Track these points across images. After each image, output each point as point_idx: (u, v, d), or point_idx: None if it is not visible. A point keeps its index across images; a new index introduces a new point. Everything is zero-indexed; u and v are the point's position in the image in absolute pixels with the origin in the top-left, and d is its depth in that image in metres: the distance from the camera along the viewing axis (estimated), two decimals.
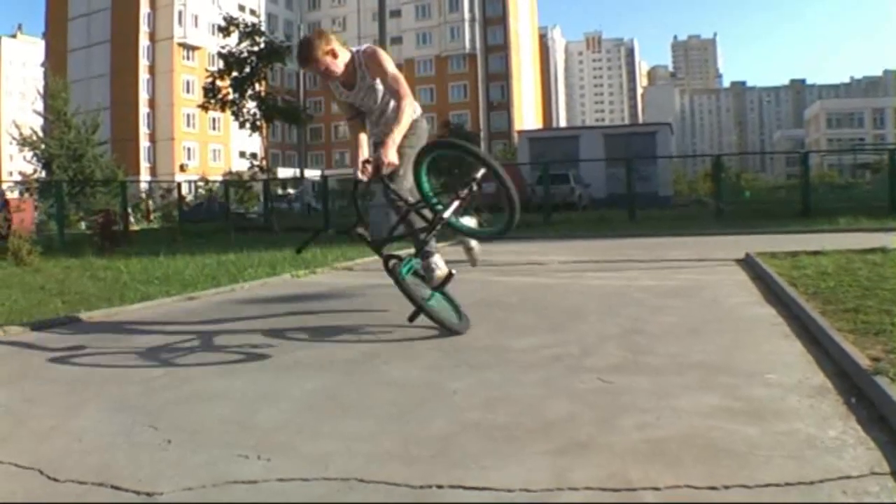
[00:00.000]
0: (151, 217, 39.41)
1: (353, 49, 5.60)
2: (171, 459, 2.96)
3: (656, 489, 2.46)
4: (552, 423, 3.21)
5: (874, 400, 3.21)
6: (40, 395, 4.12)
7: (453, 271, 5.45)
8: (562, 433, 3.07)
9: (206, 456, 2.97)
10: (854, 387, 3.50)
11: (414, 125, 5.65)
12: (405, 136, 5.48)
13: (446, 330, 5.31)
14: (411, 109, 5.45)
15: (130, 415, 3.60)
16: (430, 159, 5.55)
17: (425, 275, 5.59)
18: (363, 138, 5.84)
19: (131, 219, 33.58)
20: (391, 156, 5.21)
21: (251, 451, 2.98)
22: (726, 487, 2.45)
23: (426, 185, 5.61)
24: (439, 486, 2.57)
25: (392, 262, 5.34)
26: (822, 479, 2.49)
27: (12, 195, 36.35)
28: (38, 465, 2.89)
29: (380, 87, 5.62)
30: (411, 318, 5.05)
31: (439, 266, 5.56)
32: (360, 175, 5.44)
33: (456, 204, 5.41)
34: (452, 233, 5.93)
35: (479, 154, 5.60)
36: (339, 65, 5.45)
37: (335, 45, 5.43)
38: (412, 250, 5.70)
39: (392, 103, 5.64)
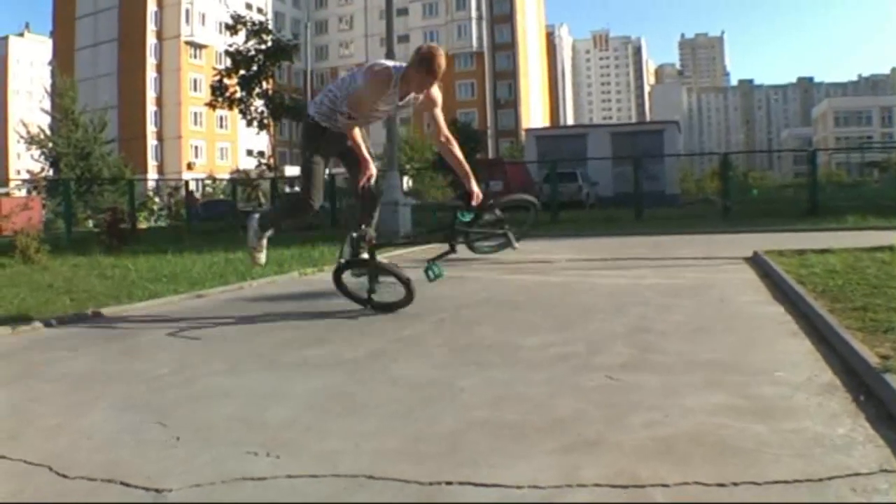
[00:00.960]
0: (162, 213, 39.47)
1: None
2: (179, 456, 2.97)
3: (665, 486, 2.46)
4: (560, 421, 3.21)
5: (883, 398, 3.20)
6: (49, 392, 4.13)
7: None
8: (570, 431, 3.07)
9: (215, 453, 2.98)
10: (863, 384, 3.49)
11: None
12: None
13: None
14: None
15: (138, 412, 3.61)
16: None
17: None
18: (357, 131, 6.07)
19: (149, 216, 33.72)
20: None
21: (259, 448, 2.99)
22: (735, 485, 2.45)
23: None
24: (448, 483, 2.57)
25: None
26: (831, 476, 2.49)
27: (20, 193, 36.46)
28: (48, 462, 2.90)
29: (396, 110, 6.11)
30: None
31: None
32: (368, 181, 6.03)
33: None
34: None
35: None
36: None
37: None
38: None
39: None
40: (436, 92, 5.81)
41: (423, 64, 5.52)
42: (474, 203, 5.88)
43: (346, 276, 6.39)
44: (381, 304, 6.31)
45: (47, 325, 6.23)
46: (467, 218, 6.06)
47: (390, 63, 5.90)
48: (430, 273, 6.05)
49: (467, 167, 5.83)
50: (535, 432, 3.08)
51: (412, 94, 5.71)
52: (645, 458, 2.72)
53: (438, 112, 5.82)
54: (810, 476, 2.49)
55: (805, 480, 2.46)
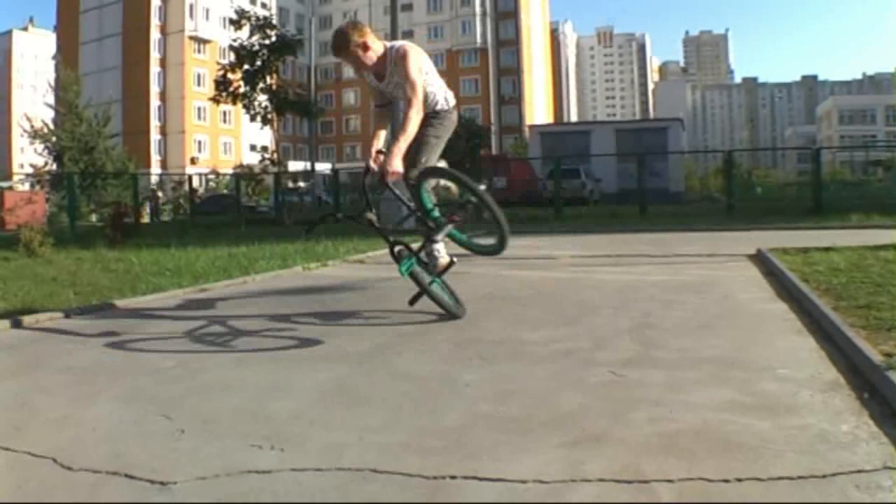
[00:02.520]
0: (165, 207, 39.46)
1: (389, 44, 5.70)
2: (184, 449, 2.97)
3: (670, 482, 2.47)
4: (565, 416, 3.21)
5: (887, 395, 3.20)
6: (53, 384, 4.14)
7: (454, 259, 5.64)
8: (575, 426, 3.08)
9: (220, 446, 2.99)
10: (867, 382, 3.49)
11: (444, 116, 5.89)
12: (432, 126, 5.76)
13: (446, 312, 5.61)
14: (418, 118, 5.49)
15: (143, 405, 3.62)
16: (428, 183, 5.85)
17: (428, 261, 5.72)
18: (382, 132, 6.05)
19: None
20: (395, 165, 5.33)
21: (265, 441, 3.00)
22: (739, 481, 2.46)
23: (428, 203, 5.86)
24: (453, 477, 2.57)
25: (398, 247, 5.66)
26: (835, 472, 2.49)
27: (24, 187, 36.52)
28: (52, 454, 2.91)
29: (390, 86, 5.79)
30: (412, 302, 5.32)
31: (441, 254, 5.72)
32: (371, 164, 5.66)
33: (450, 226, 5.66)
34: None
35: (468, 184, 5.71)
36: (370, 57, 5.56)
37: (368, 37, 5.53)
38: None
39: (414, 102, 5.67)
40: (401, 63, 5.56)
41: (333, 52, 5.71)
42: (374, 165, 5.66)
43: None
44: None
45: (51, 317, 6.23)
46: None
47: None
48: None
49: (400, 136, 5.45)
50: (539, 427, 3.09)
51: (387, 71, 5.65)
52: (649, 454, 2.73)
53: (405, 85, 5.55)
54: (814, 472, 2.49)
55: (809, 477, 2.47)
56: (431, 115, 5.77)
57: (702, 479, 2.47)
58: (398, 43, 5.74)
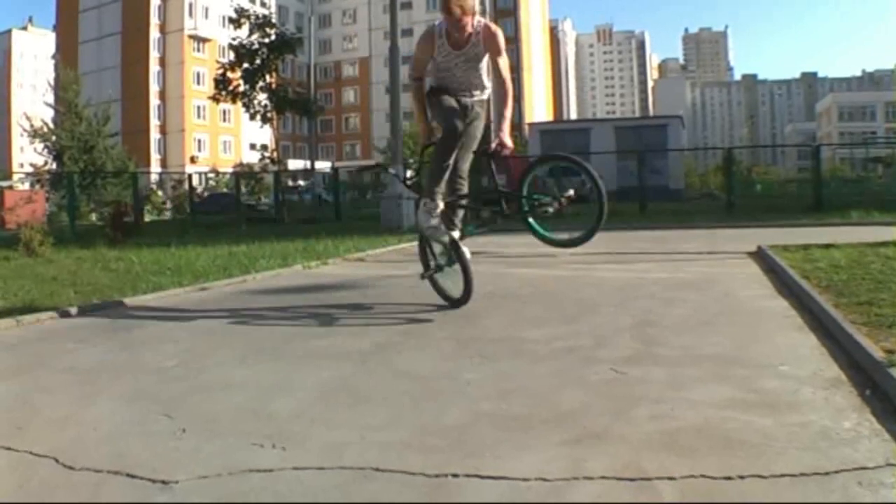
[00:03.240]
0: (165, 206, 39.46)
1: (477, 18, 5.70)
2: (186, 448, 2.97)
3: (671, 479, 2.47)
4: (566, 414, 3.21)
5: (889, 392, 3.20)
6: (55, 384, 4.13)
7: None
8: (576, 424, 3.08)
9: (221, 444, 2.98)
10: (868, 379, 3.49)
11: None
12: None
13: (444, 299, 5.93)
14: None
15: (145, 404, 3.62)
16: (542, 170, 6.10)
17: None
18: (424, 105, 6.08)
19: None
20: (509, 141, 5.61)
21: (266, 440, 2.99)
22: (741, 478, 2.45)
23: (524, 188, 5.93)
24: (455, 476, 2.57)
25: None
26: (837, 470, 2.49)
27: (24, 187, 36.48)
28: (54, 454, 2.91)
29: (482, 66, 5.88)
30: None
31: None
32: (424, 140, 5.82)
33: (544, 208, 5.80)
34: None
35: (587, 168, 5.78)
36: (469, 25, 5.59)
37: (469, 4, 5.54)
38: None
39: (476, 80, 5.93)
40: (495, 38, 5.70)
41: (440, 7, 5.61)
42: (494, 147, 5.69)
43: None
44: (437, 287, 6.17)
45: (52, 317, 6.23)
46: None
47: (436, 22, 5.92)
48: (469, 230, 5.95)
49: (506, 111, 5.72)
50: (541, 425, 3.09)
51: (469, 42, 5.67)
52: (651, 451, 2.73)
53: (500, 60, 5.69)
54: (817, 470, 2.49)
55: (811, 474, 2.46)
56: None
57: (704, 477, 2.47)
58: (482, 20, 5.76)
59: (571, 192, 5.74)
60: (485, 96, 6.04)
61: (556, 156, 6.03)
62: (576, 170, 5.74)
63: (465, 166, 6.00)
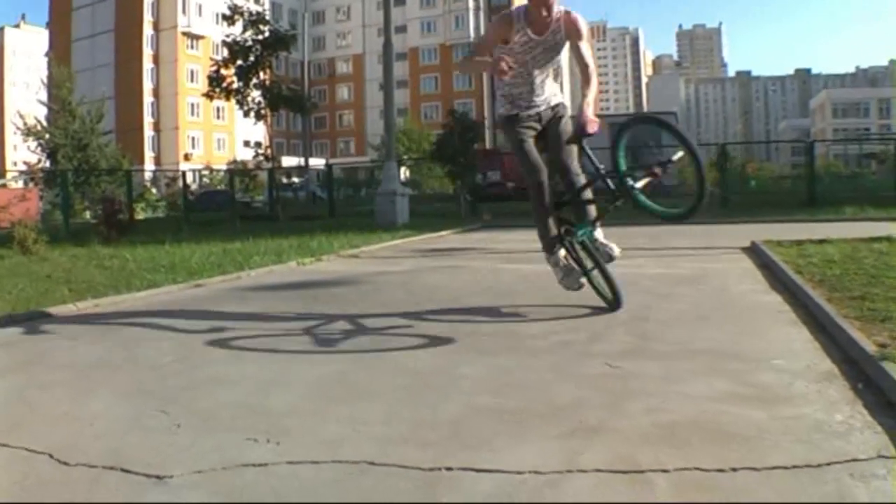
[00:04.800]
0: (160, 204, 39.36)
1: (558, 6, 5.51)
2: (181, 443, 2.98)
3: (665, 472, 2.48)
4: (561, 408, 3.22)
5: (881, 385, 3.22)
6: (51, 381, 4.13)
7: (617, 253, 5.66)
8: (571, 417, 3.09)
9: (217, 440, 2.99)
10: (861, 372, 3.51)
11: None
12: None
13: (604, 301, 5.65)
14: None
15: (141, 400, 3.62)
16: (631, 134, 5.74)
17: (592, 250, 5.69)
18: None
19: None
20: (594, 118, 5.34)
21: (261, 435, 3.00)
22: (734, 470, 2.47)
23: (622, 161, 5.69)
24: (449, 469, 2.58)
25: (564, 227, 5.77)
26: (830, 462, 2.50)
27: (17, 185, 36.38)
28: (50, 450, 2.91)
29: (559, 56, 5.73)
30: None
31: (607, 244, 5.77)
32: (503, 66, 5.18)
33: (647, 180, 5.45)
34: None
35: (683, 135, 5.45)
36: (553, 8, 5.39)
37: None
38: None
39: (548, 84, 5.80)
40: (577, 24, 5.55)
41: None
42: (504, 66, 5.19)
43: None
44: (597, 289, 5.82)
45: (48, 314, 6.23)
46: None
47: (514, 7, 5.72)
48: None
49: (590, 93, 5.54)
50: (536, 418, 3.10)
51: (550, 29, 5.45)
52: (646, 444, 2.74)
53: (582, 45, 5.57)
54: (809, 462, 2.51)
55: (804, 466, 2.48)
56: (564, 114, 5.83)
57: (697, 469, 2.48)
58: (562, 6, 5.56)
59: (679, 154, 5.30)
60: (557, 100, 5.89)
61: (638, 117, 5.77)
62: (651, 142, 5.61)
63: (570, 161, 5.81)
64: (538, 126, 5.78)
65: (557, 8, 5.44)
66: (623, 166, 5.58)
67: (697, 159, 5.17)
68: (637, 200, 5.46)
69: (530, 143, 5.72)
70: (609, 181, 5.57)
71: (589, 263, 5.66)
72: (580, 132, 5.35)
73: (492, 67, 5.27)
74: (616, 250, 5.64)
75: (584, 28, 5.58)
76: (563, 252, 5.74)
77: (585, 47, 5.56)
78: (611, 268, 5.66)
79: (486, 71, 5.57)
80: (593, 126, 5.26)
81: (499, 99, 5.89)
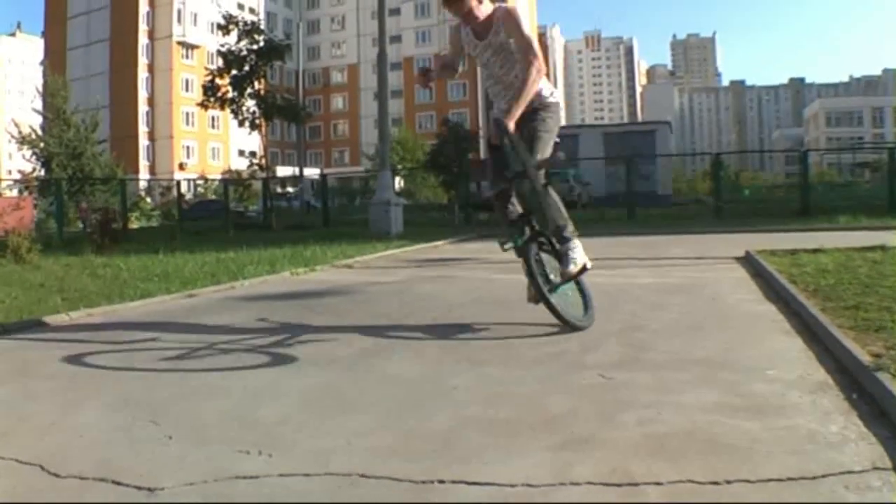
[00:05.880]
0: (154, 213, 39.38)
1: (497, 4, 5.44)
2: (172, 455, 2.96)
3: (658, 484, 2.46)
4: (553, 419, 3.21)
5: (875, 396, 3.21)
6: (42, 391, 4.11)
7: (588, 265, 5.38)
8: (563, 428, 3.07)
9: (208, 451, 2.97)
10: (855, 383, 3.50)
11: (554, 109, 5.52)
12: (543, 121, 5.39)
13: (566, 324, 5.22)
14: (540, 77, 5.24)
15: (131, 411, 3.60)
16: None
17: (561, 260, 5.38)
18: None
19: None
20: (511, 123, 5.08)
21: (252, 446, 2.98)
22: (728, 482, 2.45)
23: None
24: (441, 482, 2.57)
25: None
26: (824, 473, 2.49)
27: (11, 193, 36.32)
28: (40, 461, 2.89)
29: (512, 54, 5.40)
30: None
31: (575, 257, 5.33)
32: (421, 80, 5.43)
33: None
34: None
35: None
36: (482, 11, 5.29)
37: None
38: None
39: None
40: (513, 18, 5.29)
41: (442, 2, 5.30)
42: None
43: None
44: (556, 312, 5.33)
45: (39, 324, 6.21)
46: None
47: None
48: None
49: (521, 99, 5.12)
50: (528, 430, 3.08)
51: (491, 30, 5.32)
52: (638, 456, 2.72)
53: (524, 47, 5.25)
54: (803, 474, 2.49)
55: (798, 478, 2.46)
56: (541, 108, 5.39)
57: (691, 482, 2.47)
58: (501, 4, 5.45)
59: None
60: (549, 100, 5.51)
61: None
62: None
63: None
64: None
65: (496, 6, 5.37)
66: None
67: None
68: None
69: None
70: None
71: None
72: (502, 129, 5.12)
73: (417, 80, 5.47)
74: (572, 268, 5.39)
75: (521, 22, 5.30)
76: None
77: (519, 39, 5.28)
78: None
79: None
80: (510, 125, 5.05)
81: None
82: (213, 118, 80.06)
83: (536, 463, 2.70)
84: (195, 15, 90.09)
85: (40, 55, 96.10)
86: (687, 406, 3.30)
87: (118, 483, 2.67)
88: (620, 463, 2.66)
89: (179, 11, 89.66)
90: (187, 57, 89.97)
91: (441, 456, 2.82)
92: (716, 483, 2.45)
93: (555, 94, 5.57)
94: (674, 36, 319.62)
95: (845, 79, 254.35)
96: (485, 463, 2.72)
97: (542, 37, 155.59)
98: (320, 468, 2.73)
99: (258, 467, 2.77)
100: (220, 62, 28.78)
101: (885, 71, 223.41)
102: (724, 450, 2.75)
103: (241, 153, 77.10)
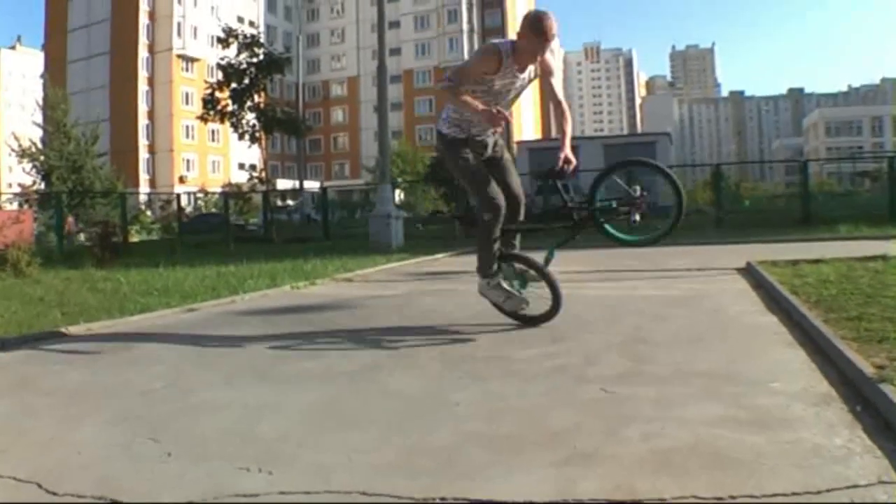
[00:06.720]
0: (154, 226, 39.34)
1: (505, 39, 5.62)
2: (171, 472, 2.94)
3: (662, 500, 2.44)
4: (556, 434, 3.19)
5: (880, 408, 3.18)
6: (40, 406, 4.09)
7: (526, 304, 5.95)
8: (566, 444, 3.05)
9: (208, 468, 2.95)
10: (859, 395, 3.48)
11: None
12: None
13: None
14: None
15: (131, 427, 3.58)
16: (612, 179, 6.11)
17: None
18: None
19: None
20: (572, 158, 5.52)
21: (253, 463, 2.96)
22: (733, 498, 2.43)
23: (598, 195, 6.03)
24: (443, 499, 2.54)
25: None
26: (830, 488, 2.47)
27: (11, 207, 36.31)
28: (37, 478, 2.87)
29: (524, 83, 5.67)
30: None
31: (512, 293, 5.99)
32: (500, 121, 5.38)
33: (637, 215, 5.92)
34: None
35: (662, 168, 6.05)
36: None
37: None
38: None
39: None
40: (550, 59, 5.59)
41: (534, 29, 5.30)
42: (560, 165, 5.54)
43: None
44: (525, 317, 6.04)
45: (39, 338, 6.19)
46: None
47: (495, 40, 5.72)
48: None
49: (568, 130, 5.64)
50: (530, 445, 3.06)
51: (532, 65, 5.50)
52: (642, 471, 2.70)
53: (554, 81, 5.63)
54: (809, 488, 2.47)
55: (804, 493, 2.44)
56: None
57: (695, 497, 2.45)
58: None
59: (639, 189, 5.95)
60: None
61: (629, 161, 6.20)
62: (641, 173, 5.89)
63: (520, 189, 6.13)
64: (485, 152, 5.89)
65: None
66: (597, 201, 5.98)
67: (678, 190, 5.87)
68: (605, 232, 6.14)
69: (486, 169, 5.84)
70: (575, 213, 6.01)
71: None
72: (559, 170, 5.51)
73: (486, 117, 5.36)
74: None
75: (557, 63, 5.57)
76: (499, 276, 5.97)
77: (556, 82, 5.63)
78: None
79: (476, 113, 5.47)
80: (572, 166, 5.49)
81: (445, 119, 5.87)
82: (213, 131, 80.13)
83: (540, 479, 2.68)
84: (195, 28, 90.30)
85: (40, 68, 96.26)
86: (691, 420, 3.27)
87: (117, 502, 2.65)
88: (625, 479, 2.64)
89: (179, 24, 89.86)
90: (187, 70, 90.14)
91: (443, 472, 2.80)
92: (720, 499, 2.43)
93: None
94: (673, 47, 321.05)
95: (844, 88, 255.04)
96: (487, 479, 2.69)
97: None
98: (321, 485, 2.71)
99: (258, 484, 2.74)
100: (220, 75, 28.84)
101: (884, 80, 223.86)
102: (729, 464, 2.73)
103: (242, 166, 77.19)
